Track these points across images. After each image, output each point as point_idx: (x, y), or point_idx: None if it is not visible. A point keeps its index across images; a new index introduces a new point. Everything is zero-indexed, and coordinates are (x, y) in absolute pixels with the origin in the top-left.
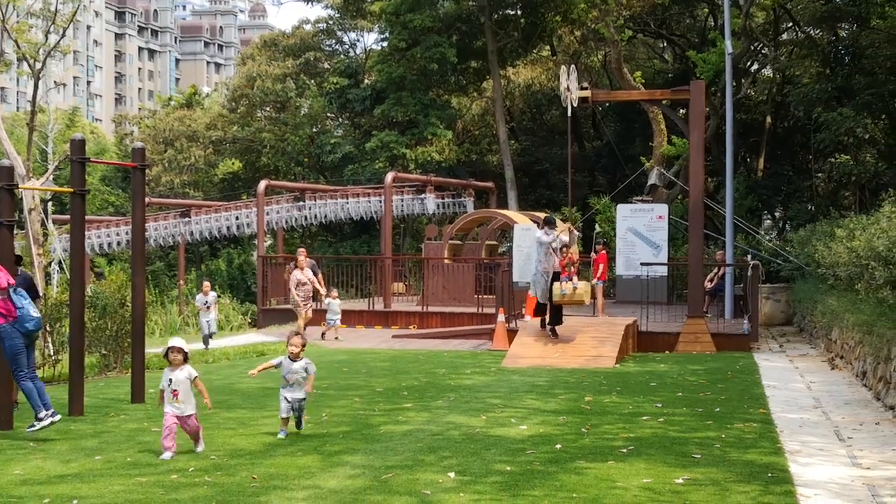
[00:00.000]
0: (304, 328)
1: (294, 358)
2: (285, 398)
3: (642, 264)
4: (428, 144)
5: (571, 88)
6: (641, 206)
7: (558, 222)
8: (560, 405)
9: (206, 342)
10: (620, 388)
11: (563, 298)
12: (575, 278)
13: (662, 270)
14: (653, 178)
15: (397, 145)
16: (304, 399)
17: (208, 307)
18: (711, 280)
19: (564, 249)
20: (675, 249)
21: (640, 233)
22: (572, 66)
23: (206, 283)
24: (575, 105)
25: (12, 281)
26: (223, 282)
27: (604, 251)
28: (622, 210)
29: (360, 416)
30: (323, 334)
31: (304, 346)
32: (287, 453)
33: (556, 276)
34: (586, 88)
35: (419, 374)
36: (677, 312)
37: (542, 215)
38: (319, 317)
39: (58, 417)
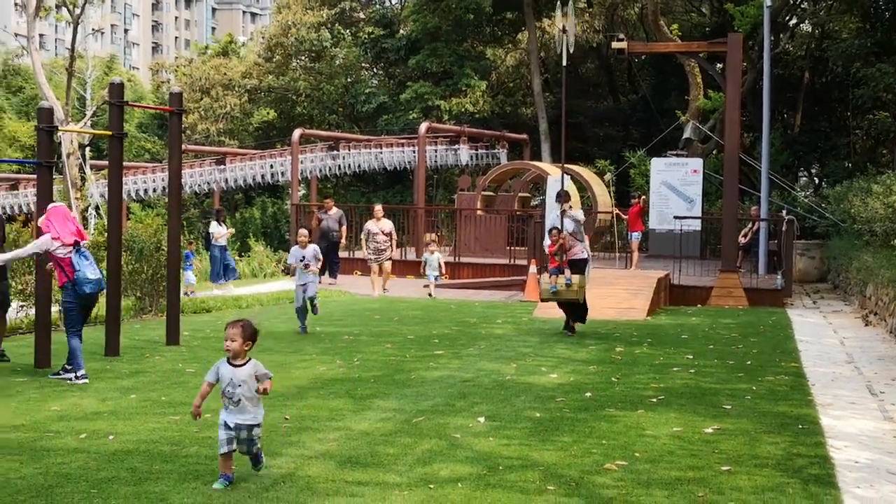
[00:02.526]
0: (383, 285)
1: (234, 361)
2: (225, 424)
3: (676, 218)
4: (462, 96)
5: (567, 29)
6: (676, 161)
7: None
8: (591, 355)
9: (302, 315)
10: (651, 340)
11: (553, 295)
12: (567, 271)
13: (696, 225)
14: (688, 132)
15: (431, 96)
16: (258, 425)
17: (307, 266)
18: (745, 235)
19: (555, 231)
20: (710, 204)
21: (675, 187)
22: (570, 3)
23: (304, 232)
24: (570, 50)
25: (71, 241)
26: (257, 229)
27: (639, 204)
28: (656, 164)
29: (391, 362)
30: (430, 294)
31: (248, 338)
32: (319, 396)
33: (570, 265)
34: (622, 40)
35: (450, 323)
36: (710, 267)
37: (575, 168)
38: (348, 266)
39: (83, 381)
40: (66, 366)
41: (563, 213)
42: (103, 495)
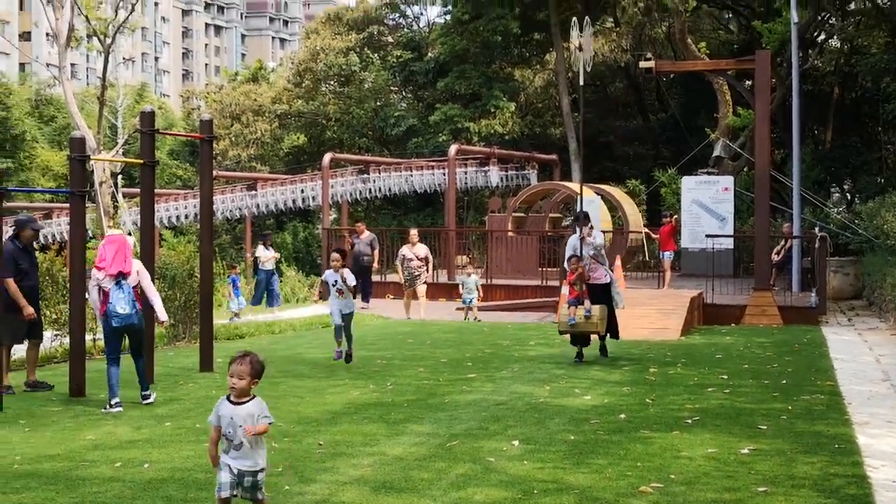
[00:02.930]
0: (414, 310)
1: (238, 400)
2: (228, 468)
3: (708, 236)
4: (491, 117)
5: (584, 48)
6: (707, 179)
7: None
8: (624, 376)
9: (339, 334)
10: (686, 360)
11: (571, 328)
12: (587, 301)
13: (728, 243)
14: (718, 150)
15: (461, 118)
16: (262, 470)
17: (340, 291)
18: (778, 253)
19: (574, 259)
20: (742, 222)
21: (706, 205)
22: (586, 19)
23: (336, 256)
24: (588, 69)
25: (113, 272)
26: (289, 254)
27: (671, 223)
28: (687, 182)
29: (424, 386)
30: (465, 317)
31: (256, 375)
32: (352, 421)
33: (592, 290)
34: (650, 59)
35: (483, 346)
36: (743, 285)
37: (606, 188)
38: (381, 290)
39: (118, 409)
40: (143, 392)
41: (582, 239)
42: None
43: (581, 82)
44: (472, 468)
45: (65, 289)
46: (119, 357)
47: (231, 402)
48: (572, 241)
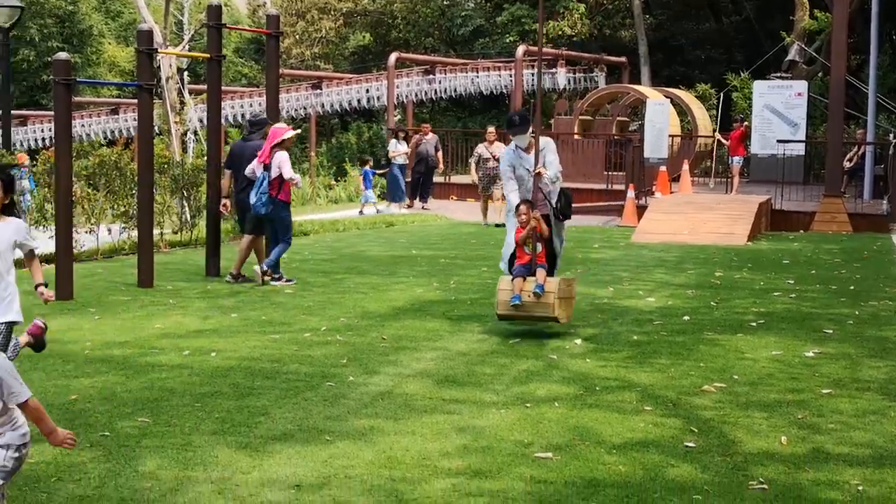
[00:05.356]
0: (492, 213)
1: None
2: None
3: (779, 142)
4: (559, 18)
5: None
6: (780, 83)
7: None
8: (689, 279)
9: None
10: (752, 265)
11: (514, 310)
12: (540, 271)
13: (799, 149)
14: (792, 54)
15: (528, 19)
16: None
17: None
18: (850, 159)
19: (524, 207)
20: (814, 128)
21: (778, 110)
22: None
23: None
24: None
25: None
26: (352, 154)
27: (741, 128)
28: (759, 87)
29: (488, 285)
30: None
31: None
32: (416, 317)
33: (539, 236)
34: None
35: None
36: (813, 192)
37: (675, 91)
38: (444, 191)
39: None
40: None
41: (537, 175)
42: (207, 409)
43: None
44: (534, 364)
45: (133, 182)
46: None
47: None
48: (508, 158)
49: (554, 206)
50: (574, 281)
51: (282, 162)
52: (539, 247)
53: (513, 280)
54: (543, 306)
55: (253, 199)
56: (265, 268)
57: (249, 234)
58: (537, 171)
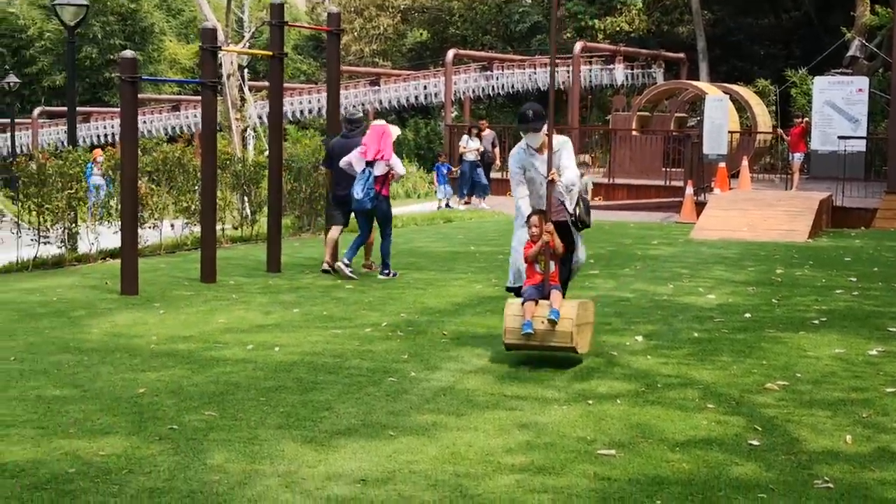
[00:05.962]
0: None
1: None
2: None
3: (840, 138)
4: (617, 14)
5: None
6: (840, 79)
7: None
8: (749, 276)
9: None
10: (813, 262)
11: (526, 340)
12: (555, 293)
13: (860, 145)
14: (853, 50)
15: (585, 15)
16: None
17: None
18: None
19: (535, 219)
20: (875, 124)
21: (838, 106)
22: None
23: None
24: None
25: (370, 160)
26: (410, 150)
27: (801, 124)
28: (819, 83)
29: None
30: None
31: None
32: (475, 314)
33: (553, 252)
34: None
35: (605, 244)
36: (875, 189)
37: (734, 87)
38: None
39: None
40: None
41: (550, 182)
42: (272, 403)
43: None
44: (595, 361)
45: (195, 178)
46: (367, 232)
47: None
48: (517, 158)
49: (572, 212)
50: (592, 304)
51: (395, 162)
52: (552, 265)
53: (523, 304)
54: (560, 335)
55: (360, 194)
56: (346, 261)
57: (342, 226)
58: (550, 176)
